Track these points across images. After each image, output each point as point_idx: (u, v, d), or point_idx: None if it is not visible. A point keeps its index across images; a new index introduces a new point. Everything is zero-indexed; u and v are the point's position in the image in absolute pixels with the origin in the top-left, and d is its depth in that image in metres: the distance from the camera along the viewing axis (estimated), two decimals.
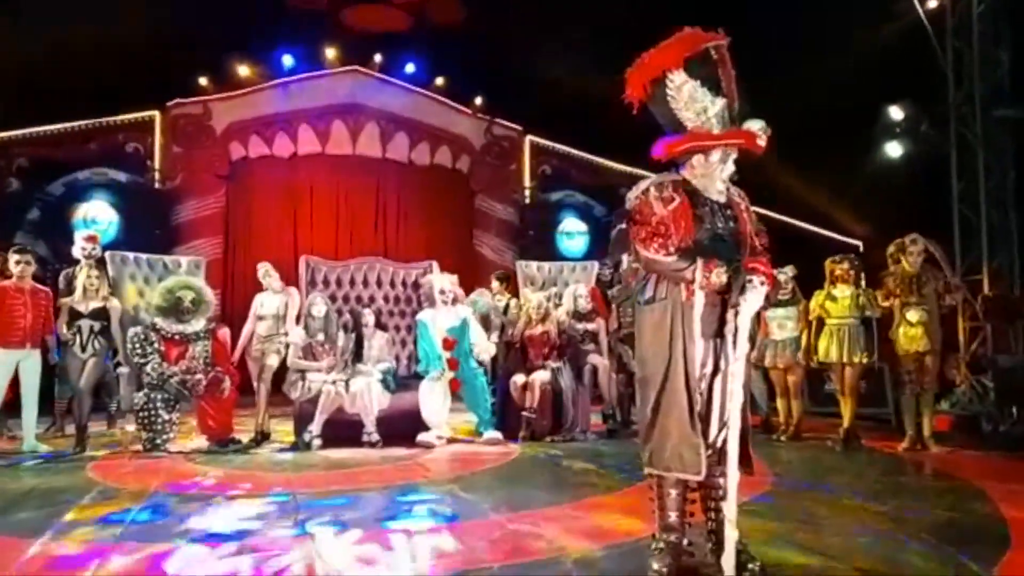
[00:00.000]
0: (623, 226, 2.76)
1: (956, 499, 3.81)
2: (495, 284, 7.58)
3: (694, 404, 2.52)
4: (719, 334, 2.55)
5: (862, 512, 3.51)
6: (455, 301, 6.44)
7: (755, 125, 2.55)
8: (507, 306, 7.29)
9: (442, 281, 6.47)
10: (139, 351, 5.61)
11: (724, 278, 2.45)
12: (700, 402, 2.54)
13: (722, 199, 2.64)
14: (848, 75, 8.86)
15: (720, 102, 2.56)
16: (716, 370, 2.56)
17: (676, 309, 2.55)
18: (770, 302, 2.59)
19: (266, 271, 6.50)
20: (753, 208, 2.75)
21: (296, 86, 11.25)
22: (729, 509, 2.47)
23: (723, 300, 2.53)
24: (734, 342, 2.50)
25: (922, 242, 5.52)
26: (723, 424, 2.54)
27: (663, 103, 2.60)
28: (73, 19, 8.47)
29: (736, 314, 2.49)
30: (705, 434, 2.54)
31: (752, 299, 2.45)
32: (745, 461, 2.57)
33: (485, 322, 6.97)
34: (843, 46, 8.72)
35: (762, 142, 2.54)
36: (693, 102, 2.57)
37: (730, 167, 2.61)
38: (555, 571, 2.65)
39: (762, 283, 2.44)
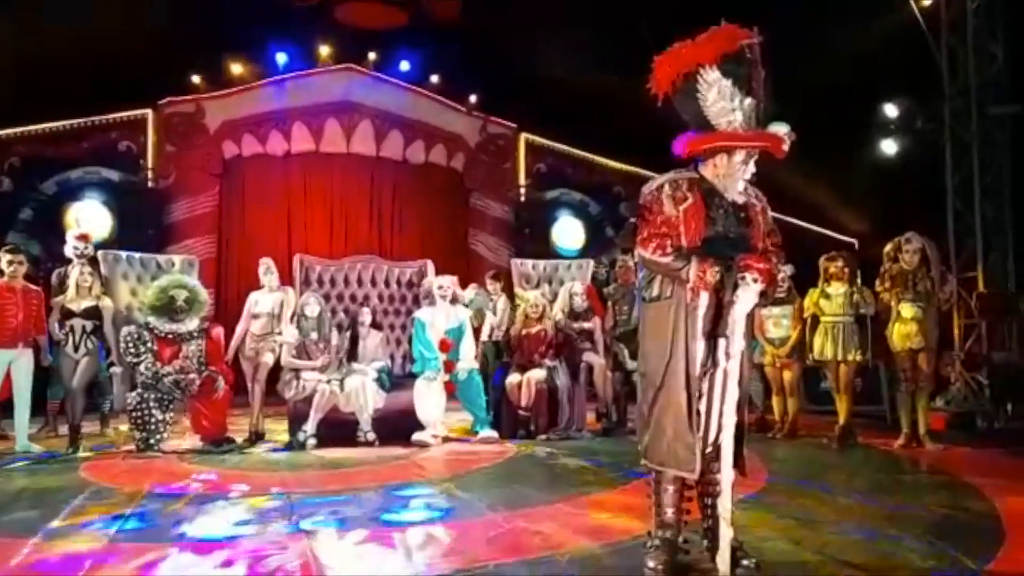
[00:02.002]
0: (634, 220, 2.74)
1: (951, 496, 3.82)
2: (492, 284, 7.55)
3: (692, 403, 2.51)
4: (715, 333, 2.55)
5: (857, 509, 3.51)
6: (454, 300, 6.41)
7: (781, 129, 2.50)
8: (494, 306, 7.26)
9: (441, 278, 6.47)
10: (132, 350, 5.58)
11: (717, 277, 2.44)
12: (697, 401, 2.54)
13: (740, 200, 2.61)
14: (843, 72, 8.88)
15: (749, 102, 2.51)
16: (714, 368, 2.55)
17: (680, 308, 2.55)
18: (768, 299, 2.59)
19: (267, 268, 6.43)
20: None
21: (289, 84, 11.22)
22: (723, 507, 2.46)
23: (719, 299, 2.52)
24: (730, 340, 2.49)
25: (917, 240, 5.51)
26: (720, 422, 2.54)
27: (691, 99, 2.53)
28: (65, 17, 8.42)
29: (731, 312, 2.48)
30: (704, 432, 2.54)
31: (745, 297, 2.44)
32: (737, 462, 2.56)
33: (480, 317, 6.95)
34: (838, 43, 8.73)
35: (786, 147, 2.51)
36: (723, 100, 2.50)
37: (751, 168, 2.57)
38: (551, 569, 2.64)
39: (755, 280, 2.42)
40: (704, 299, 2.50)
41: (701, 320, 2.51)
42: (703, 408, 2.53)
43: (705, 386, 2.54)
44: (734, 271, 2.44)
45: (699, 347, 2.52)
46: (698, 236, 2.52)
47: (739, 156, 2.55)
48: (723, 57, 2.47)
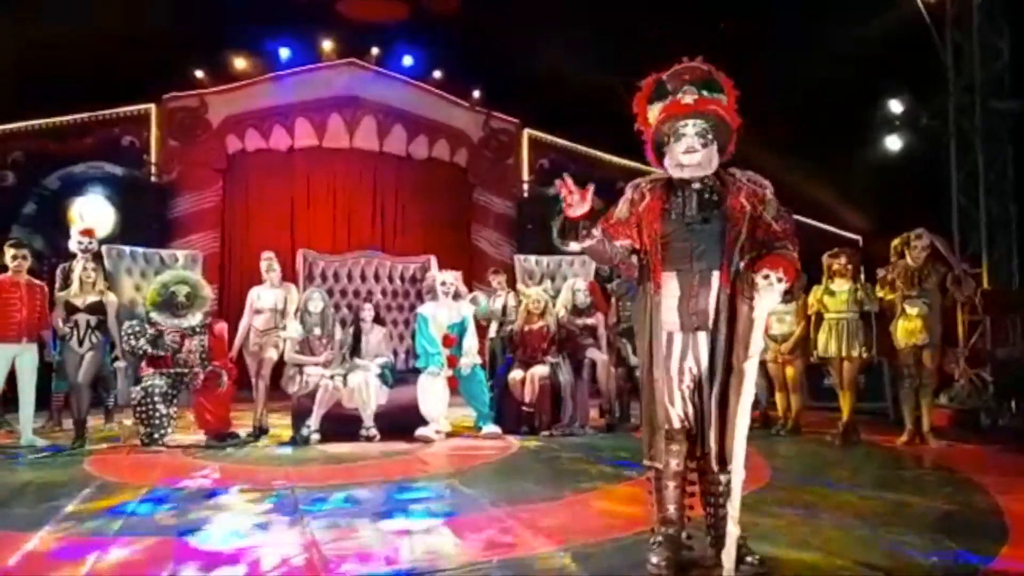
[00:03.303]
0: None
1: (954, 492, 3.81)
2: (495, 279, 7.53)
3: (665, 395, 2.55)
4: (703, 327, 2.55)
5: (860, 506, 3.51)
6: (457, 295, 6.41)
7: (678, 94, 2.60)
8: (505, 304, 7.25)
9: (444, 274, 6.47)
10: (133, 343, 5.57)
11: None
12: (682, 395, 2.56)
13: (699, 173, 2.59)
14: (847, 68, 8.85)
15: (665, 101, 2.64)
16: (712, 365, 2.55)
17: (647, 301, 2.61)
18: (794, 296, 2.61)
19: (270, 264, 6.44)
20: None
21: (293, 79, 11.22)
22: (733, 506, 2.46)
23: (707, 292, 2.53)
24: (747, 340, 2.48)
25: (927, 237, 5.49)
26: (721, 419, 2.54)
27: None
28: (69, 11, 8.42)
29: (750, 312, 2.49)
30: (703, 430, 2.54)
31: (768, 297, 2.42)
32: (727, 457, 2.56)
33: (493, 317, 6.93)
34: (842, 38, 8.70)
35: (687, 100, 2.57)
36: (654, 116, 2.70)
37: (687, 143, 2.57)
38: (553, 565, 2.64)
39: (780, 280, 2.39)
40: (672, 291, 2.54)
41: (672, 311, 2.55)
42: (696, 405, 2.56)
43: (691, 381, 2.56)
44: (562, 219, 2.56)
45: (676, 340, 2.55)
46: (655, 230, 2.59)
47: (671, 141, 2.62)
48: (650, 97, 2.71)
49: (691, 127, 2.58)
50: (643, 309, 2.65)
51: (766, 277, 2.40)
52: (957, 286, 5.50)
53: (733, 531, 2.43)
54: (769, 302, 2.43)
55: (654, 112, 2.69)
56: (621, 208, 2.69)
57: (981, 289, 8.04)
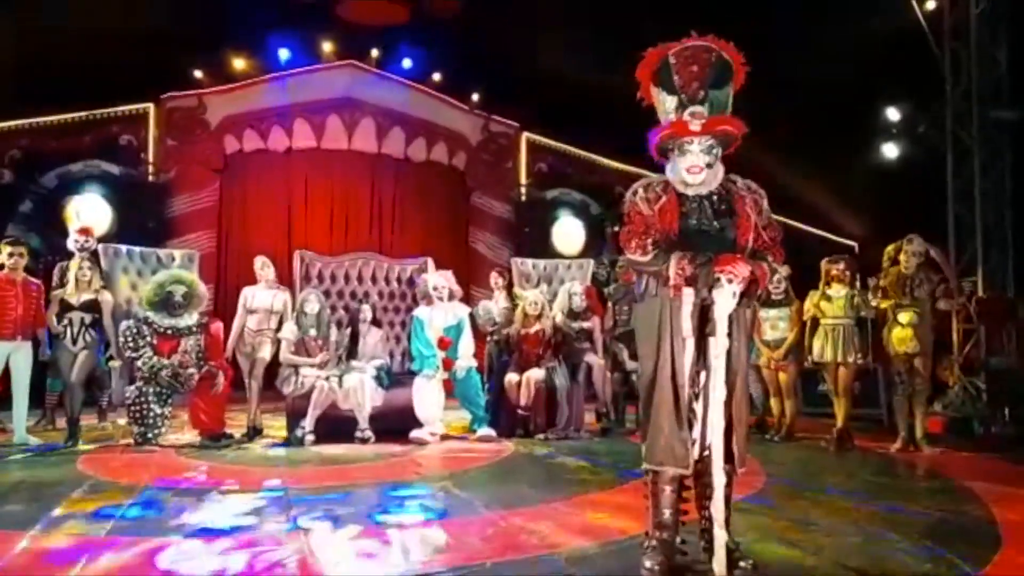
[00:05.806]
0: (617, 228, 2.78)
1: (948, 500, 3.82)
2: (495, 279, 7.49)
3: (680, 399, 2.53)
4: (713, 332, 2.55)
5: (854, 512, 3.51)
6: (451, 296, 6.41)
7: (685, 114, 2.58)
8: (495, 302, 7.23)
9: (435, 278, 6.45)
10: (131, 345, 5.58)
11: (691, 271, 2.46)
12: (689, 398, 2.55)
13: (703, 191, 2.61)
14: (845, 75, 8.88)
15: (673, 99, 2.62)
16: (706, 368, 2.56)
17: (665, 305, 2.58)
18: (753, 299, 2.59)
19: (263, 263, 6.46)
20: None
21: (292, 80, 11.20)
22: (716, 509, 2.46)
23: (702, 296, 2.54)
24: (714, 340, 2.50)
25: (919, 243, 5.51)
26: (728, 420, 2.54)
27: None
28: (68, 10, 8.42)
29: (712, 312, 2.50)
30: (701, 431, 2.54)
31: (721, 298, 2.46)
32: (731, 456, 2.56)
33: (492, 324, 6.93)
34: (840, 46, 8.74)
35: (694, 126, 2.55)
36: (660, 106, 2.68)
37: (691, 159, 2.58)
38: (548, 568, 2.64)
39: (729, 281, 2.43)
40: (689, 295, 2.52)
41: (687, 317, 2.53)
42: (699, 408, 2.55)
43: (699, 384, 2.55)
44: (710, 268, 2.45)
45: (689, 344, 2.54)
46: (671, 230, 2.57)
47: (675, 150, 2.61)
48: (655, 75, 2.66)
49: (696, 144, 2.58)
50: (653, 313, 2.60)
51: (717, 279, 2.44)
52: (947, 299, 5.54)
53: (719, 534, 2.44)
54: (723, 303, 2.46)
55: (659, 100, 2.66)
56: (643, 207, 2.62)
57: (976, 297, 8.07)
